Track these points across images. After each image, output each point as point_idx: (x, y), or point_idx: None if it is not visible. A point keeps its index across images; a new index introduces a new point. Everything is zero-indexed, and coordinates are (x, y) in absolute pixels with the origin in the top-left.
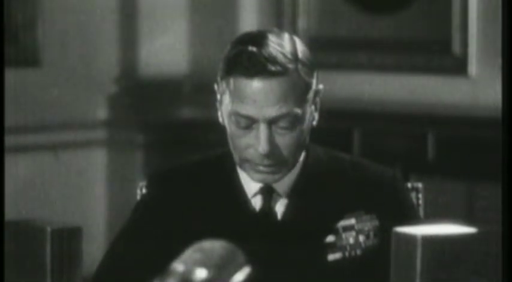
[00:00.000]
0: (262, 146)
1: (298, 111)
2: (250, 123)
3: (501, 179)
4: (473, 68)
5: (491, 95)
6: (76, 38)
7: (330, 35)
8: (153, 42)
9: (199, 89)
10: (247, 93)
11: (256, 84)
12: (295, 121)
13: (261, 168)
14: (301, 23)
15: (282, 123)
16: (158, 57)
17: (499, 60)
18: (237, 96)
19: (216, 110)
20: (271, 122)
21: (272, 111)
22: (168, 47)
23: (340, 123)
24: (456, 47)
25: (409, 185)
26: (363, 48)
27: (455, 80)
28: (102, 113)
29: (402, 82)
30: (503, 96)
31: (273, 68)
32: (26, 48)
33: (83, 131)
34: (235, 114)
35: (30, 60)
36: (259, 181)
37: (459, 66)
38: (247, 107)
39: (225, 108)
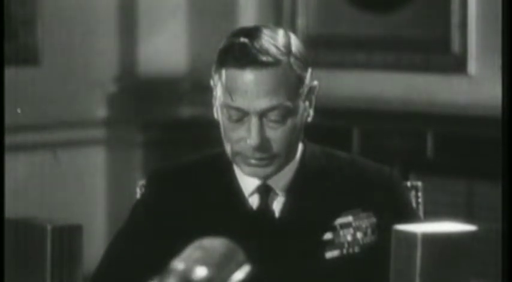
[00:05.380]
0: (253, 139)
1: (289, 104)
2: (241, 115)
3: (501, 177)
4: (472, 66)
5: (490, 93)
6: (75, 36)
7: (329, 34)
8: (152, 41)
9: (199, 88)
10: (238, 84)
11: (247, 75)
12: (287, 114)
13: (252, 161)
14: (301, 21)
15: (273, 116)
16: (157, 56)
17: (499, 59)
18: (229, 87)
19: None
20: (262, 115)
21: (263, 103)
22: (167, 46)
23: (339, 121)
24: (455, 46)
25: (409, 183)
26: (362, 47)
27: (455, 78)
28: (101, 112)
29: (401, 81)
30: (503, 95)
31: (264, 59)
32: (26, 46)
33: (82, 130)
34: (227, 107)
35: (30, 58)
36: (250, 175)
37: (458, 65)
38: (238, 99)
39: (218, 101)
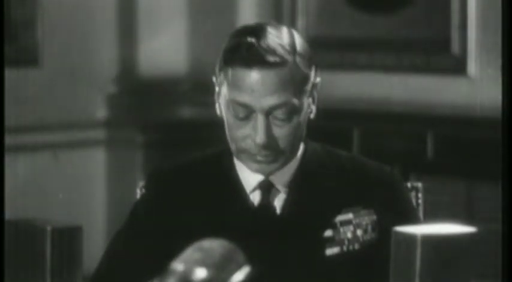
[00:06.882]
0: (260, 137)
1: (295, 101)
2: (247, 112)
3: (501, 178)
4: (472, 67)
5: (490, 94)
6: (75, 37)
7: (329, 35)
8: (152, 42)
9: (199, 88)
10: (245, 83)
11: (254, 75)
12: (293, 112)
13: (259, 158)
14: (301, 22)
15: (279, 114)
16: (157, 57)
17: (499, 60)
18: (235, 85)
19: (215, 107)
20: (268, 113)
21: (269, 100)
22: (167, 47)
23: (339, 122)
24: (455, 47)
25: (409, 184)
26: (362, 48)
27: (455, 79)
28: (101, 112)
29: (401, 82)
30: (503, 96)
31: (271, 59)
32: (26, 47)
33: (82, 131)
34: (233, 103)
35: (30, 59)
36: (256, 171)
37: (458, 66)
38: (245, 96)
39: (223, 99)
